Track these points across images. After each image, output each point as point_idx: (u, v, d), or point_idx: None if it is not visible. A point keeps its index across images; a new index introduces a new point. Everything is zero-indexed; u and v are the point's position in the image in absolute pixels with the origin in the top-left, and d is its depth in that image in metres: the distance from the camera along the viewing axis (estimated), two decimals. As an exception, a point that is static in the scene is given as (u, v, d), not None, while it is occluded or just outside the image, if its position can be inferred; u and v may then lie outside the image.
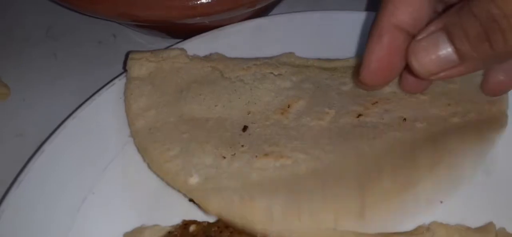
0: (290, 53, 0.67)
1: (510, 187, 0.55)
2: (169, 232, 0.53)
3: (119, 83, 0.66)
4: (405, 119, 0.59)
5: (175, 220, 0.54)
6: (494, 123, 0.58)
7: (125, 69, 0.67)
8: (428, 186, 0.53)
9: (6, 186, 0.59)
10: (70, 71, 0.79)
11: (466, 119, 0.58)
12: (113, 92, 0.65)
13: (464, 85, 0.61)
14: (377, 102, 0.61)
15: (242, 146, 0.58)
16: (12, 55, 0.80)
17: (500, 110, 0.58)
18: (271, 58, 0.66)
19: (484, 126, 0.57)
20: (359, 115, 0.60)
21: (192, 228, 0.52)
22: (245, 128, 0.60)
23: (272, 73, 0.64)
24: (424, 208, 0.53)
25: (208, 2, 0.63)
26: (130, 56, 0.66)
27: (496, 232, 0.51)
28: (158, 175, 0.58)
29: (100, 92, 0.65)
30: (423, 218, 0.53)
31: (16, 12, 0.86)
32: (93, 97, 0.64)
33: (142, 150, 0.59)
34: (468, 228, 0.51)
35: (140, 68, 0.65)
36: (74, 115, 0.62)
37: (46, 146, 0.59)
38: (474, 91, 0.60)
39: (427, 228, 0.51)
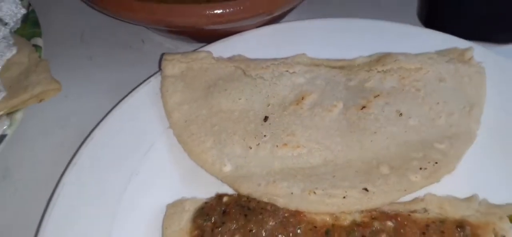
0: (302, 54, 0.78)
1: (490, 167, 0.66)
2: (206, 203, 0.63)
3: (155, 80, 0.77)
4: (401, 114, 0.70)
5: (210, 193, 0.65)
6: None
7: (159, 69, 0.78)
8: (419, 175, 0.63)
9: (56, 169, 0.69)
10: (104, 71, 0.89)
11: (449, 120, 0.69)
12: (150, 88, 0.76)
13: (454, 83, 0.72)
14: (378, 95, 0.72)
15: (265, 136, 0.69)
16: (52, 58, 0.90)
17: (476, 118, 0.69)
18: (286, 58, 0.77)
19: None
20: (363, 107, 0.71)
21: (225, 199, 0.63)
22: (266, 118, 0.71)
23: (287, 71, 0.76)
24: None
25: (233, 11, 0.74)
26: (164, 57, 0.77)
27: (479, 201, 0.62)
28: (195, 162, 0.68)
29: (139, 88, 0.76)
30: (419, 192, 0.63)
31: (51, 20, 0.96)
32: (132, 92, 0.75)
33: (181, 142, 0.70)
34: (456, 198, 0.62)
35: (173, 67, 0.77)
36: (117, 106, 0.73)
37: (96, 132, 0.70)
38: (461, 91, 0.71)
39: (422, 199, 0.62)
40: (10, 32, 0.80)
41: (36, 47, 0.80)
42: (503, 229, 0.59)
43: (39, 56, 0.78)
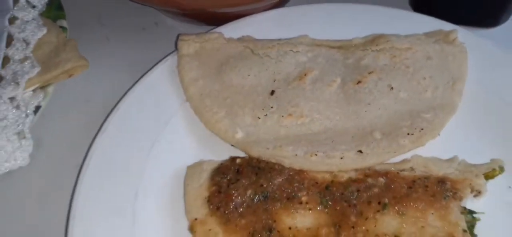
0: (305, 35, 0.87)
1: (469, 133, 0.76)
2: (221, 164, 0.73)
3: (172, 59, 0.86)
4: (392, 88, 0.80)
5: (225, 156, 0.74)
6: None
7: (175, 48, 0.87)
8: (407, 139, 0.73)
9: (84, 138, 0.79)
10: (122, 51, 0.98)
11: (435, 94, 0.78)
12: (168, 66, 0.85)
13: (439, 61, 0.82)
14: (372, 72, 0.81)
15: (271, 107, 0.79)
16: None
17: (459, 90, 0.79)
18: (290, 39, 0.87)
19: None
20: (359, 82, 0.81)
21: (238, 160, 0.73)
22: (272, 92, 0.81)
23: (291, 50, 0.85)
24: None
25: (243, -4, 0.83)
26: (180, 38, 0.86)
27: (458, 162, 0.72)
28: (210, 131, 0.78)
29: (157, 65, 0.85)
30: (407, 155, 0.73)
31: (70, 4, 1.03)
32: (152, 69, 0.84)
33: (197, 113, 0.80)
34: (439, 159, 0.72)
35: (188, 47, 0.86)
36: (139, 81, 0.82)
37: (121, 104, 0.79)
38: (445, 68, 0.81)
39: (409, 160, 0.72)
40: (38, 14, 0.88)
41: (62, 28, 0.89)
42: (479, 184, 0.69)
43: (66, 36, 0.86)
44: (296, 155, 0.73)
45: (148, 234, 0.68)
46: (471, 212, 0.68)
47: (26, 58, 0.81)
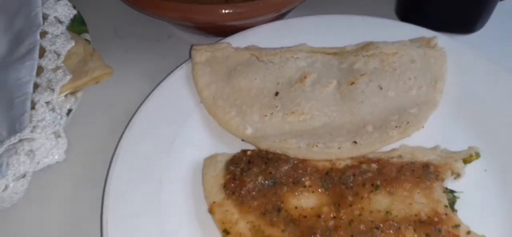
0: (303, 43, 0.98)
1: (449, 125, 0.88)
2: (234, 155, 0.83)
3: (186, 66, 0.97)
4: (381, 88, 0.91)
5: (237, 149, 0.85)
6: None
7: (189, 57, 0.98)
8: (395, 131, 0.85)
9: (110, 139, 0.89)
10: (139, 62, 1.08)
11: (419, 92, 0.90)
12: (183, 72, 0.96)
13: (422, 63, 0.93)
14: (364, 74, 0.92)
15: (276, 106, 0.90)
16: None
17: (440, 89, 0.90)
18: (291, 47, 0.98)
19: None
20: (352, 83, 0.92)
21: (249, 152, 0.83)
22: (276, 93, 0.92)
23: (292, 57, 0.96)
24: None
25: (249, 9, 0.94)
26: (193, 47, 0.97)
27: (441, 150, 0.83)
28: (223, 128, 0.89)
29: (174, 72, 0.96)
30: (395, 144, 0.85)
31: (88, 18, 1.13)
32: (169, 76, 0.95)
33: (211, 113, 0.90)
34: (424, 148, 0.83)
35: (201, 56, 0.97)
36: (158, 87, 0.93)
37: (142, 107, 0.90)
38: (427, 70, 0.92)
39: (398, 149, 0.83)
40: (66, 28, 0.99)
41: (86, 41, 1.00)
42: (458, 168, 0.80)
43: (91, 48, 0.97)
44: (299, 147, 0.84)
45: (173, 216, 0.78)
46: (451, 191, 0.79)
47: (58, 67, 0.91)
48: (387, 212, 0.73)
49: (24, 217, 0.84)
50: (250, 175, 0.79)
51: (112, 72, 0.94)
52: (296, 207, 0.76)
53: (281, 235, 0.73)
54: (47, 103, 0.86)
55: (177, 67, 0.97)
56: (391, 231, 0.71)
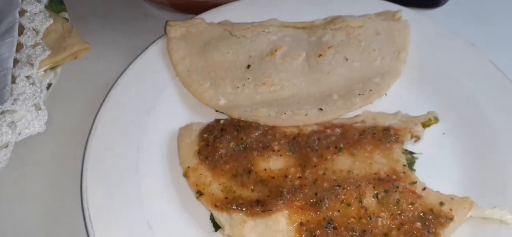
0: (274, 18, 1.04)
1: (410, 92, 0.94)
2: (208, 124, 0.88)
3: (162, 41, 1.01)
4: (347, 59, 0.96)
5: (210, 119, 0.90)
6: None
7: (164, 33, 1.02)
8: (358, 98, 0.90)
9: (89, 109, 0.93)
10: (116, 39, 1.12)
11: (383, 62, 0.95)
12: (159, 48, 1.00)
13: (386, 35, 0.99)
14: (331, 46, 0.98)
15: (248, 78, 0.95)
16: (72, 29, 1.13)
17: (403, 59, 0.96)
18: (262, 22, 1.03)
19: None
20: (320, 55, 0.97)
21: (221, 121, 0.88)
22: (248, 66, 0.97)
23: (263, 31, 1.01)
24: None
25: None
26: (168, 23, 1.02)
27: (402, 115, 0.89)
28: (198, 100, 0.93)
29: (150, 47, 1.00)
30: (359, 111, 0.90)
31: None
32: (145, 50, 1.00)
33: (185, 86, 0.95)
34: (385, 113, 0.89)
35: (175, 31, 1.01)
36: (134, 61, 0.97)
37: (120, 80, 0.94)
38: (391, 41, 0.98)
39: (360, 115, 0.89)
40: (45, 7, 1.03)
41: (65, 19, 1.04)
42: (417, 131, 0.86)
43: (70, 25, 1.01)
44: (269, 115, 0.89)
45: (150, 180, 0.83)
46: (411, 152, 0.85)
47: (37, 44, 0.95)
48: (348, 171, 0.79)
49: (7, 185, 0.88)
50: (223, 142, 0.84)
51: (90, 48, 0.98)
52: (265, 169, 0.81)
53: (250, 194, 0.78)
54: (27, 77, 0.90)
55: (153, 42, 1.01)
56: (352, 188, 0.77)
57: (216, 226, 0.78)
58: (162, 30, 1.05)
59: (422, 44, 0.99)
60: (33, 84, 0.90)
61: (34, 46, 0.95)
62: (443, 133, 0.89)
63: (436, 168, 0.84)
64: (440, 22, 1.05)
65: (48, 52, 0.93)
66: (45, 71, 0.94)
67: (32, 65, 0.91)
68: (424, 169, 0.83)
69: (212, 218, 0.79)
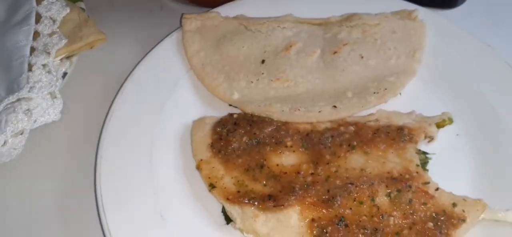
0: (290, 14, 1.04)
1: (425, 92, 0.93)
2: (221, 118, 0.89)
3: (177, 34, 1.02)
4: (362, 57, 0.96)
5: (224, 113, 0.91)
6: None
7: (180, 25, 1.03)
8: (373, 97, 0.90)
9: (104, 99, 0.94)
10: (132, 30, 1.13)
11: (398, 61, 0.95)
12: (174, 40, 1.01)
13: (402, 34, 0.99)
14: (346, 44, 0.98)
15: (262, 73, 0.95)
16: (88, 20, 1.14)
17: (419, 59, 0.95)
18: (278, 17, 1.03)
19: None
20: (335, 52, 0.97)
21: (235, 115, 0.89)
22: (263, 61, 0.97)
23: (279, 26, 1.01)
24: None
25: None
26: (184, 16, 1.02)
27: (416, 114, 0.89)
28: (212, 93, 0.94)
29: (165, 39, 1.01)
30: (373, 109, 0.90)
31: None
32: (160, 42, 1.00)
33: (200, 79, 0.96)
34: (400, 112, 0.89)
35: (191, 24, 1.02)
36: (150, 53, 0.98)
37: (135, 70, 0.95)
38: (407, 41, 0.97)
39: (375, 113, 0.89)
40: (61, -3, 1.04)
41: (81, 9, 1.05)
42: (431, 131, 0.86)
43: (86, 15, 1.02)
44: (283, 110, 0.89)
45: (163, 172, 0.84)
46: (424, 153, 0.85)
47: (53, 32, 0.96)
48: (361, 170, 0.80)
49: (22, 172, 0.90)
50: (236, 136, 0.85)
51: (106, 38, 0.99)
52: (277, 165, 0.82)
53: (262, 189, 0.79)
54: (44, 65, 0.91)
55: (168, 35, 1.02)
56: (365, 186, 0.77)
57: (228, 219, 0.78)
58: (178, 22, 1.05)
59: (438, 44, 0.99)
60: (49, 72, 0.91)
61: (50, 35, 0.96)
62: (457, 135, 0.89)
63: (450, 169, 0.84)
64: (456, 22, 1.04)
65: (64, 41, 0.94)
66: (61, 60, 0.95)
67: (48, 53, 0.92)
68: (438, 169, 0.83)
69: (224, 211, 0.79)
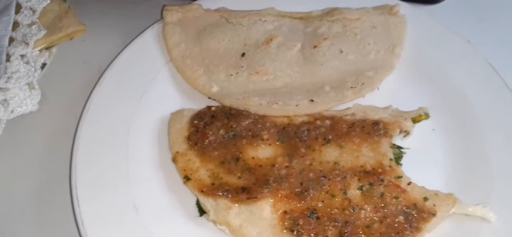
0: (271, 7, 1.05)
1: (402, 87, 0.95)
2: (199, 111, 0.90)
3: (158, 26, 1.03)
4: (342, 51, 0.98)
5: (202, 106, 0.92)
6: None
7: (161, 17, 1.04)
8: (350, 91, 0.92)
9: (83, 92, 0.95)
10: (113, 22, 1.14)
11: (377, 56, 0.97)
12: (154, 32, 1.02)
13: (383, 29, 1.00)
14: (326, 38, 0.99)
15: (242, 66, 0.97)
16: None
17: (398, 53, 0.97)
18: (259, 10, 1.04)
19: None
20: (315, 46, 0.98)
21: (213, 108, 0.90)
22: (243, 54, 0.99)
23: (260, 20, 1.02)
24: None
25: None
26: (165, 8, 1.03)
27: (392, 109, 0.90)
28: (191, 86, 0.95)
29: (145, 31, 1.02)
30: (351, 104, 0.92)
31: None
32: (141, 34, 1.01)
33: (179, 71, 0.97)
34: (377, 107, 0.91)
35: (172, 16, 1.03)
36: (130, 44, 0.99)
37: (114, 62, 0.96)
38: (387, 35, 0.99)
39: (351, 108, 0.91)
40: (42, -13, 1.04)
41: (62, 0, 1.05)
42: (407, 126, 0.87)
43: (67, 6, 1.03)
44: (261, 104, 0.91)
45: (139, 163, 0.85)
46: (399, 147, 0.87)
47: (33, 23, 0.97)
48: (335, 163, 0.81)
49: (-1, 162, 0.91)
50: (213, 128, 0.86)
51: (86, 29, 1.00)
52: (253, 158, 0.83)
53: (237, 181, 0.80)
54: (22, 56, 0.93)
55: (149, 27, 1.03)
56: (337, 180, 0.78)
57: (202, 211, 0.80)
58: (159, 14, 1.06)
59: (418, 40, 1.00)
60: (27, 63, 0.92)
61: (30, 25, 0.97)
62: (433, 130, 0.90)
63: (424, 163, 0.86)
64: (438, 18, 1.05)
65: (43, 32, 0.95)
66: (40, 50, 0.96)
67: (27, 44, 0.93)
68: (412, 164, 0.85)
69: (198, 203, 0.81)
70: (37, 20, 0.97)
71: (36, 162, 0.91)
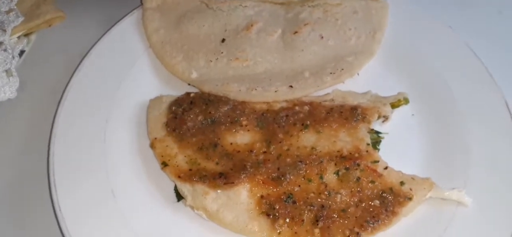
0: (253, -8, 1.07)
1: (382, 73, 0.97)
2: (178, 97, 0.92)
3: (137, 12, 1.04)
4: (322, 37, 0.99)
5: (181, 93, 0.93)
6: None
7: (141, 3, 1.05)
8: (329, 77, 0.94)
9: (62, 77, 0.97)
10: (93, 8, 1.15)
11: (357, 41, 0.98)
12: (134, 18, 1.04)
13: (364, 14, 1.02)
14: (307, 24, 1.01)
15: (222, 52, 0.98)
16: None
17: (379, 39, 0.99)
18: (240, -5, 1.06)
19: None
20: (295, 32, 1.00)
21: (192, 95, 0.92)
22: (223, 40, 1.00)
23: (241, 5, 1.04)
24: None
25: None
26: (144, -7, 1.05)
27: (371, 94, 0.92)
28: (170, 72, 0.97)
29: (125, 17, 1.03)
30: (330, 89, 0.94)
31: None
32: (120, 21, 1.03)
33: (158, 57, 0.99)
34: (356, 92, 0.92)
35: (151, 2, 1.04)
36: (109, 31, 1.01)
37: (93, 50, 0.98)
38: (368, 21, 1.00)
39: (330, 93, 0.92)
40: (20, -26, 1.05)
41: (41, -14, 1.06)
42: (385, 111, 0.89)
43: (45, -7, 1.04)
44: (240, 90, 0.92)
45: (116, 148, 0.87)
46: (377, 132, 0.89)
47: (10, 10, 0.98)
48: (312, 148, 0.83)
49: (-23, 150, 0.92)
50: (191, 114, 0.88)
51: (64, 16, 1.01)
52: (231, 143, 0.85)
53: (214, 167, 0.82)
54: (0, 43, 0.94)
55: (128, 13, 1.04)
56: (314, 164, 0.81)
57: (179, 197, 0.82)
58: (139, 1, 1.07)
59: (399, 25, 1.02)
60: (5, 50, 0.93)
61: (7, 12, 0.98)
62: (412, 114, 0.92)
63: (402, 148, 0.88)
64: (420, 3, 1.07)
65: (21, 19, 0.97)
66: (18, 37, 0.98)
67: (4, 31, 0.94)
68: (390, 149, 0.87)
69: (175, 189, 0.82)
70: (15, 7, 0.99)
71: (14, 149, 0.92)
